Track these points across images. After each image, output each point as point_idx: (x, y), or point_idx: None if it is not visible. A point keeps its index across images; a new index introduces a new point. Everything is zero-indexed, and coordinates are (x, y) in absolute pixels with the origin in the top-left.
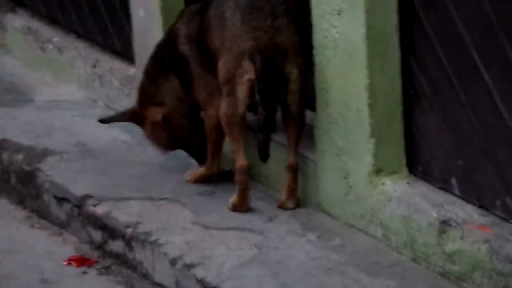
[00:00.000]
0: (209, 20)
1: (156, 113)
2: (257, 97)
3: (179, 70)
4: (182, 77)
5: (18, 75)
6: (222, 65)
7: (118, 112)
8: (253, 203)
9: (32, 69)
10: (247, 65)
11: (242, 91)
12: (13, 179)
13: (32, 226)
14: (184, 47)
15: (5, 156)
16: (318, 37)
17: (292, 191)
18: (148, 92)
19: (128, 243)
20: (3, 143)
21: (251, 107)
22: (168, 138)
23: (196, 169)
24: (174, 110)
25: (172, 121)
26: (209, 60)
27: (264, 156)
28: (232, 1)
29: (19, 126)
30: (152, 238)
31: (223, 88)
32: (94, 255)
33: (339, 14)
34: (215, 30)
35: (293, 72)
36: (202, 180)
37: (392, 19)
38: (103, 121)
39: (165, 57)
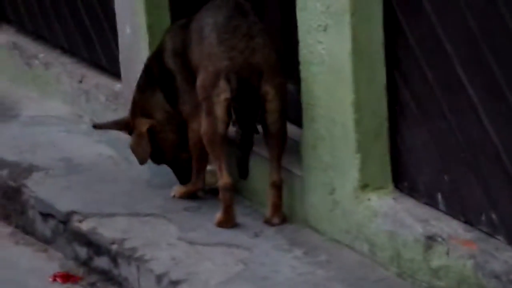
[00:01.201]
0: (191, 34)
1: (142, 124)
2: (234, 117)
3: (166, 84)
4: (168, 90)
5: (3, 90)
6: (200, 83)
7: (112, 120)
8: (239, 218)
9: (18, 85)
10: (223, 84)
11: (219, 110)
12: None
13: (17, 242)
14: (170, 61)
15: None
16: (304, 53)
17: (277, 208)
18: (138, 103)
19: (113, 259)
20: None
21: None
22: (150, 151)
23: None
24: (162, 123)
25: (159, 134)
26: (192, 74)
27: (243, 173)
28: (211, 18)
29: (4, 142)
30: (138, 254)
31: (202, 105)
32: (79, 271)
33: (324, 30)
34: (194, 44)
35: (269, 92)
36: (188, 195)
37: (377, 34)
38: (96, 126)
39: (154, 70)
